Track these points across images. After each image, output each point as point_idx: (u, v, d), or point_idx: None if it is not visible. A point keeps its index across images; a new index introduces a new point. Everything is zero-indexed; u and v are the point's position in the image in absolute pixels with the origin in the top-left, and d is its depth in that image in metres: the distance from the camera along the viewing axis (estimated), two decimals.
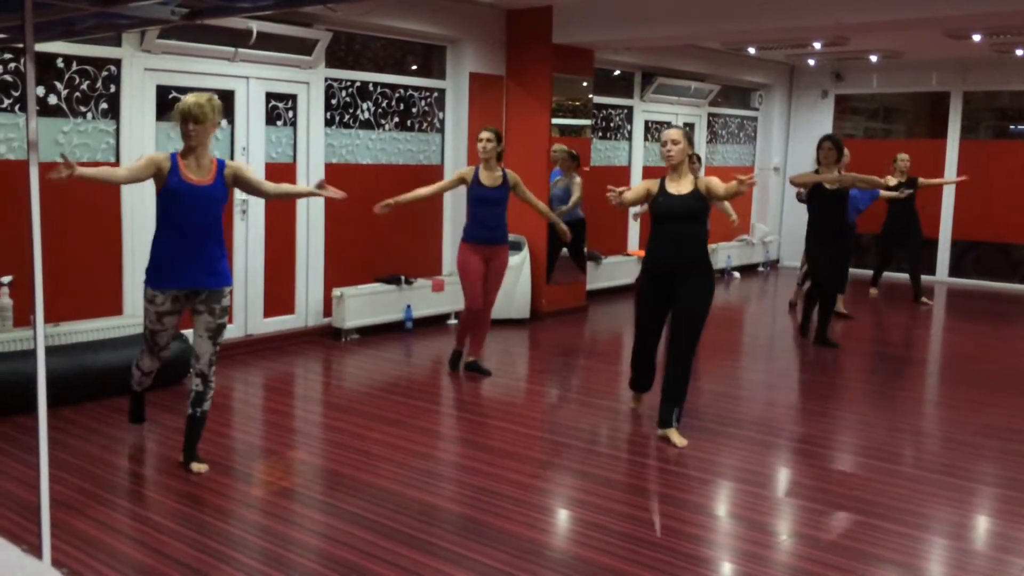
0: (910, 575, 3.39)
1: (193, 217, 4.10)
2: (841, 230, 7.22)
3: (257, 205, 6.83)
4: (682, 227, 4.85)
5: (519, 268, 8.10)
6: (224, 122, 6.55)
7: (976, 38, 8.36)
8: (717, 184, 4.87)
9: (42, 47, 5.25)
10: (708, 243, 5.04)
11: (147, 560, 3.32)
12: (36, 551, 2.76)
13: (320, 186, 4.51)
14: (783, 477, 4.52)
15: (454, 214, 8.29)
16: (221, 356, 6.42)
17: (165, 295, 4.14)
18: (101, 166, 4.66)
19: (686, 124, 11.26)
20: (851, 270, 7.98)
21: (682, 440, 4.81)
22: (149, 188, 6.15)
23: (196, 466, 4.25)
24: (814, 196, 7.15)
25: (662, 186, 4.94)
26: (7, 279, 5.33)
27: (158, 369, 4.59)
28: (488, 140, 5.95)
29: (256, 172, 4.42)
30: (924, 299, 9.48)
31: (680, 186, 4.89)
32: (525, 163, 8.42)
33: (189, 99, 4.05)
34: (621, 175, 10.03)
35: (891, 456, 4.71)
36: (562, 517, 3.93)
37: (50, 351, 5.09)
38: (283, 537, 3.55)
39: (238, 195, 6.65)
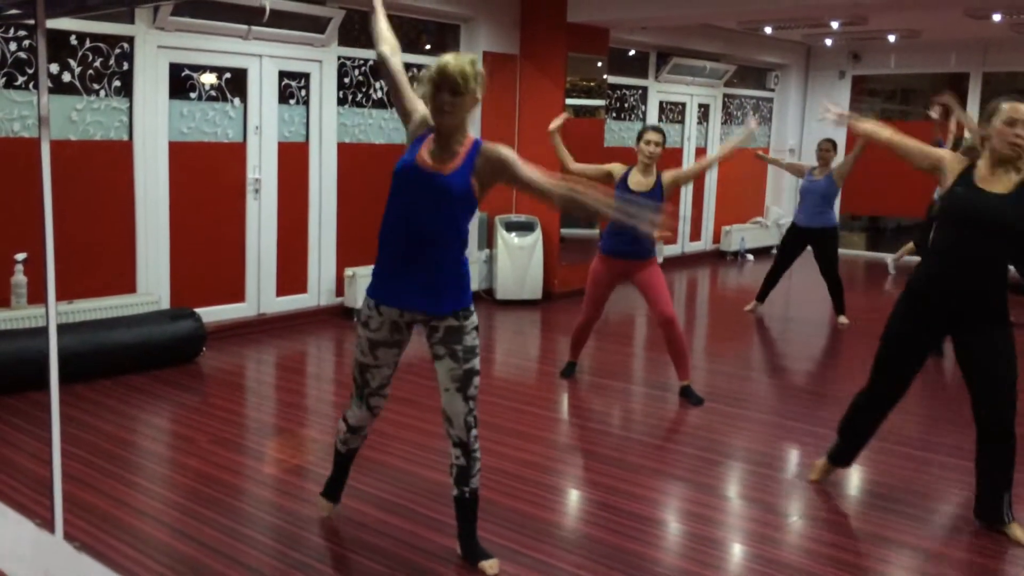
0: (917, 556, 3.37)
1: (414, 213, 2.98)
2: None
3: (270, 182, 6.81)
4: (983, 243, 3.36)
5: (531, 248, 8.08)
6: (236, 100, 6.55)
7: (996, 17, 8.24)
8: None
9: (56, 24, 5.25)
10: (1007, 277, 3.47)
11: (160, 535, 3.34)
12: (49, 525, 2.78)
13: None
14: (793, 459, 4.51)
15: None
16: (234, 335, 6.48)
17: (382, 317, 3.11)
18: None
19: (700, 105, 11.17)
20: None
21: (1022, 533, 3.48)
22: (162, 167, 6.23)
23: (485, 564, 3.10)
24: None
25: (967, 173, 3.41)
26: (22, 256, 5.35)
27: (368, 426, 3.44)
28: (656, 144, 5.10)
29: (523, 162, 2.98)
30: None
31: (998, 182, 3.34)
32: (537, 143, 8.39)
33: (447, 58, 2.88)
34: (635, 156, 9.93)
35: (899, 438, 4.69)
36: (572, 497, 3.94)
37: (64, 329, 5.12)
38: (294, 514, 3.56)
39: (251, 172, 6.66)
